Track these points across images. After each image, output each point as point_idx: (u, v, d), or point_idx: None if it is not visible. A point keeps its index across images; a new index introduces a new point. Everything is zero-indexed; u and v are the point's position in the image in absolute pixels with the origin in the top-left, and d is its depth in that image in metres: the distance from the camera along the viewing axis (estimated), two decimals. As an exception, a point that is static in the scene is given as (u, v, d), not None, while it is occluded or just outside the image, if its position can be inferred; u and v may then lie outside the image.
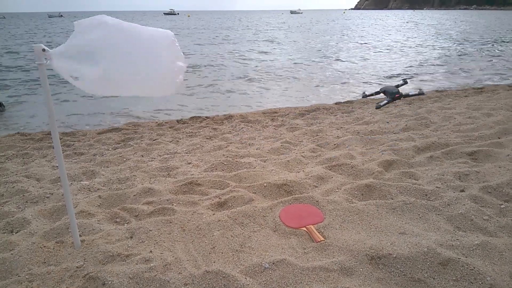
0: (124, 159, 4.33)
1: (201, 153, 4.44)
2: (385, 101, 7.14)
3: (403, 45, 22.52)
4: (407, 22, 60.08)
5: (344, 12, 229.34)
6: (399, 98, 7.33)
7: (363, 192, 2.74)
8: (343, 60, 16.72)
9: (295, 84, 11.72)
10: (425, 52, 18.98)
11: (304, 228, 2.25)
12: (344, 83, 11.67)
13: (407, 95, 7.02)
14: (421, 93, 7.11)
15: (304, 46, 22.92)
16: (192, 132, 6.10)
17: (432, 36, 29.27)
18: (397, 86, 7.35)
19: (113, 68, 1.82)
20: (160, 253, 2.03)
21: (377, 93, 7.34)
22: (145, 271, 1.83)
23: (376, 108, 7.12)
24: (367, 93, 7.67)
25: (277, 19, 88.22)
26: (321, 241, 2.11)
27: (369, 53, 18.97)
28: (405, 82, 7.57)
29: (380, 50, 20.05)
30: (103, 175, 3.65)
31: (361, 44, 24.08)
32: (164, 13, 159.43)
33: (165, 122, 7.19)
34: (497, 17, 75.42)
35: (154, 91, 2.02)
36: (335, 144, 4.35)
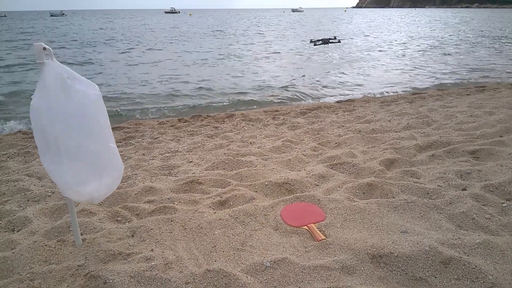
0: (125, 158, 4.33)
1: (202, 152, 4.44)
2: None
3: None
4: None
5: (345, 10, 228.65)
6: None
7: (365, 190, 2.73)
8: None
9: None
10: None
11: (305, 227, 2.25)
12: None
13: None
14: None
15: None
16: (193, 130, 6.10)
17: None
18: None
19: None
20: (161, 251, 2.04)
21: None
22: (146, 270, 1.84)
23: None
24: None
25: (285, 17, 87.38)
26: (322, 239, 2.10)
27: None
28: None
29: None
30: (104, 173, 3.65)
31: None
32: (165, 12, 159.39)
33: (166, 121, 7.19)
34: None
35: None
36: (336, 143, 4.34)
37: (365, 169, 3.19)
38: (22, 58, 16.93)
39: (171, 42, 25.26)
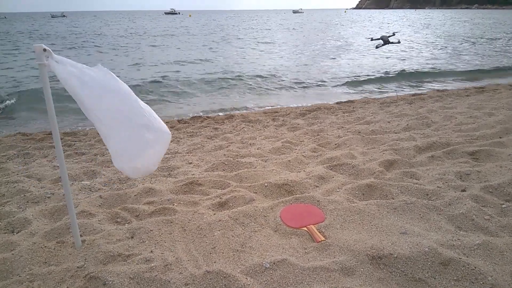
0: (125, 159, 4.33)
1: (202, 153, 4.44)
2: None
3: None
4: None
5: (345, 12, 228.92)
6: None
7: (364, 192, 2.73)
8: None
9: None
10: None
11: (305, 228, 2.25)
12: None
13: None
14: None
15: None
16: (193, 132, 6.10)
17: None
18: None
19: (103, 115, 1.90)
20: (161, 253, 2.04)
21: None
22: (146, 271, 1.84)
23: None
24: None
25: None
26: (321, 241, 2.10)
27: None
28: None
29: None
30: (104, 175, 3.65)
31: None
32: (165, 13, 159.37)
33: (166, 122, 7.16)
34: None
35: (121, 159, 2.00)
36: (336, 144, 4.34)
37: (364, 170, 3.19)
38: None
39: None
